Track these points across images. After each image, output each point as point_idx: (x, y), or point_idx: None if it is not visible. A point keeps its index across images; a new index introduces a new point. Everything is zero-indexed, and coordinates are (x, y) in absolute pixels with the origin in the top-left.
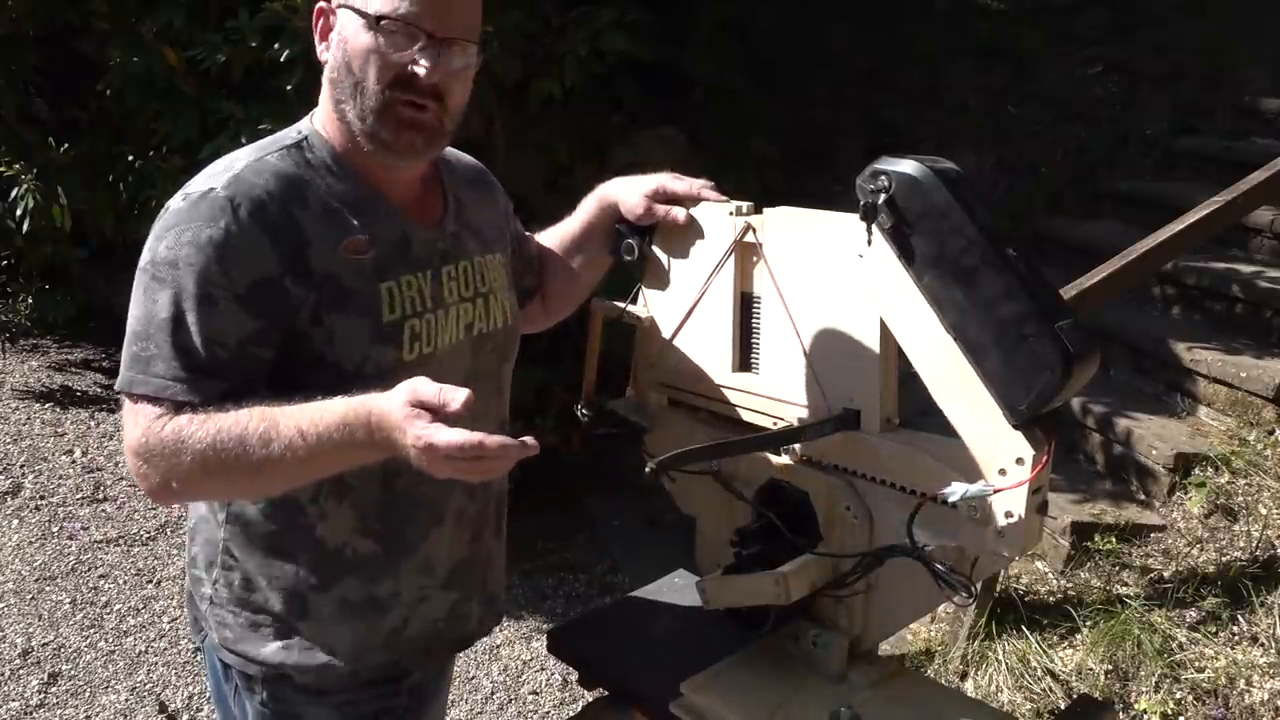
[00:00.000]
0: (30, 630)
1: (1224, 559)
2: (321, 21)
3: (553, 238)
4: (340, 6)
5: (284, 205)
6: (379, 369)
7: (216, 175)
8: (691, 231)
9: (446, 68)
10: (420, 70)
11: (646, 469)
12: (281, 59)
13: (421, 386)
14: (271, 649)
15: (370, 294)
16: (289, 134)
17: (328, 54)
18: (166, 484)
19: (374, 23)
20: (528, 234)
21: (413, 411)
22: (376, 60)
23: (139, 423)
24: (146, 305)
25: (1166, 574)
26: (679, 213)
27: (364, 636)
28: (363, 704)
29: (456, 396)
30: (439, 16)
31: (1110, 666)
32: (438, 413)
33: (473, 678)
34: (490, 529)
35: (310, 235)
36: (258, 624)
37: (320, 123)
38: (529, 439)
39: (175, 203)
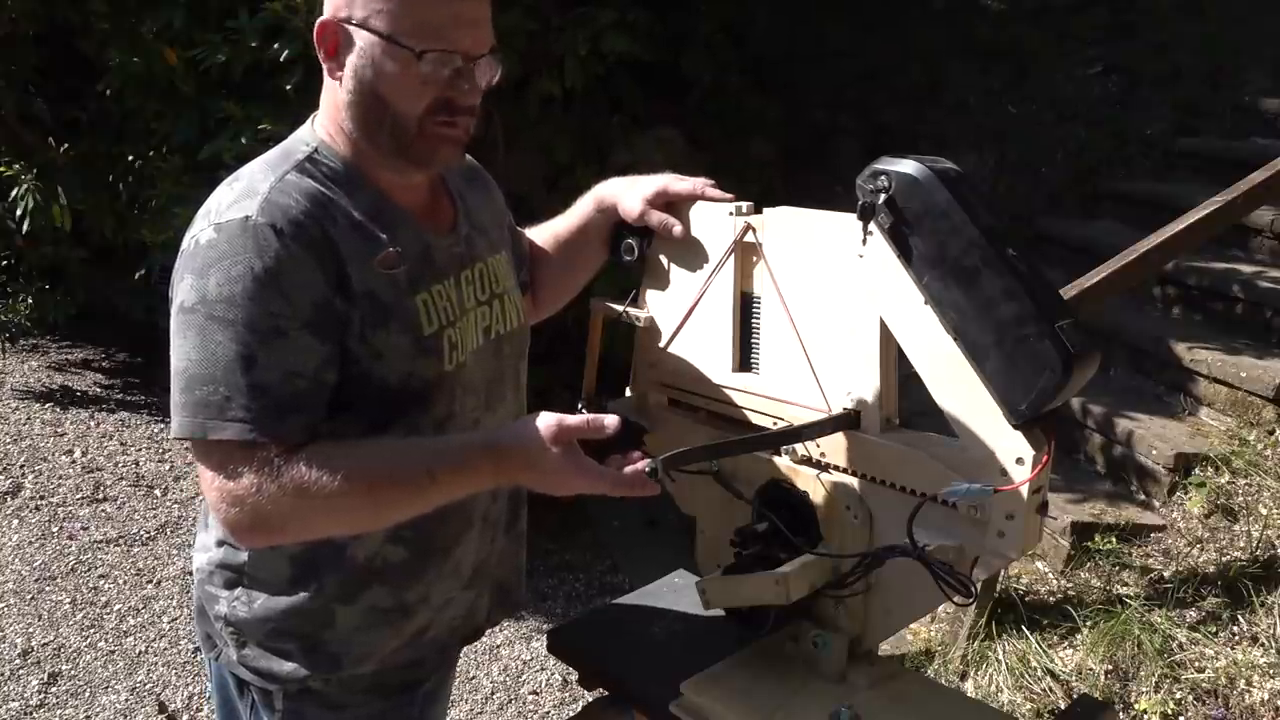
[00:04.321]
0: (30, 630)
1: (1224, 559)
2: (330, 38)
3: (546, 234)
4: (359, 27)
5: (319, 224)
6: (424, 382)
7: (243, 201)
8: (691, 233)
9: (480, 86)
10: (464, 98)
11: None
12: (281, 59)
13: (566, 420)
14: (294, 665)
15: (408, 308)
16: (296, 147)
17: (340, 73)
18: (268, 526)
19: (414, 55)
20: (518, 229)
21: (570, 447)
22: (417, 92)
23: (224, 468)
24: (206, 347)
25: (1166, 574)
26: (676, 227)
27: (389, 639)
28: (380, 715)
29: (608, 421)
30: (473, 38)
31: (1110, 666)
32: (585, 438)
33: (473, 678)
34: (503, 526)
35: (345, 252)
36: (280, 641)
37: (326, 132)
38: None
39: (205, 235)
